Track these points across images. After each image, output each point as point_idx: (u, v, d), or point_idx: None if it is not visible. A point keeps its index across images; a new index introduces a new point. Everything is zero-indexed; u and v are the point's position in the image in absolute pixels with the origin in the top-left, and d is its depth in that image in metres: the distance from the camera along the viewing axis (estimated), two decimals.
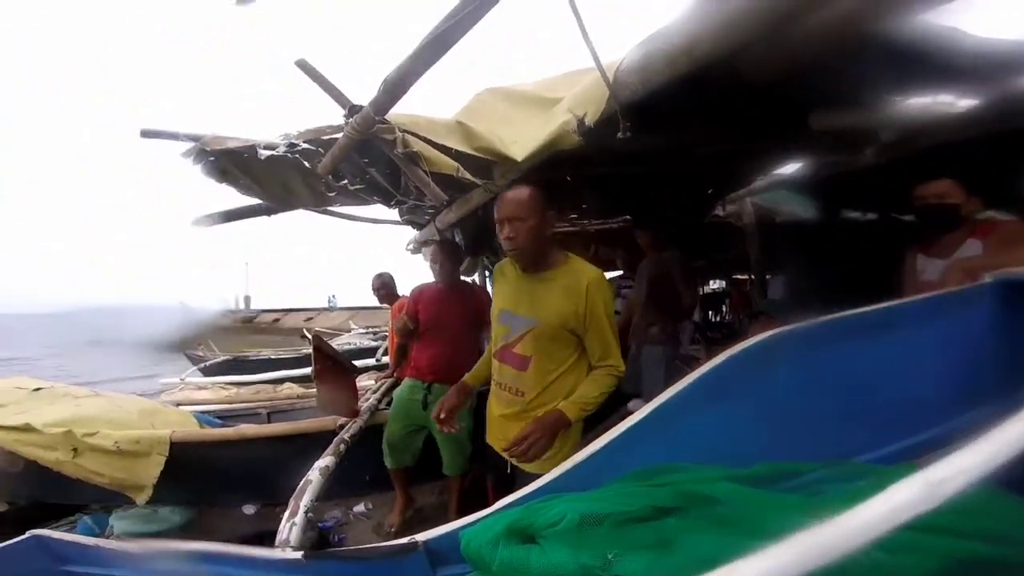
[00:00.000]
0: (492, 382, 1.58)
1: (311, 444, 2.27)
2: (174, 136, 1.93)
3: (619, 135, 1.42)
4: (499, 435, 1.55)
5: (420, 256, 4.06)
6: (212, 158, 1.95)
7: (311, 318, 23.05)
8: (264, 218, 3.04)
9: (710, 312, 8.94)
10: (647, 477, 0.83)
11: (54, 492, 2.64)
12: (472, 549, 0.73)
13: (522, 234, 1.36)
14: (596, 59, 1.29)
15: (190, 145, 1.92)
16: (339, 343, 9.63)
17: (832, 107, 1.92)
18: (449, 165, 1.62)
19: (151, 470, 2.46)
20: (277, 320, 24.95)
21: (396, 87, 1.35)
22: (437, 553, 0.81)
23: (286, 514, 1.28)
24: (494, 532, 0.73)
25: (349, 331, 12.70)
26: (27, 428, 2.40)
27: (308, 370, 6.17)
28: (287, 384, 5.78)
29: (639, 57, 1.34)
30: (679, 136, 1.84)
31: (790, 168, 3.28)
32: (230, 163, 1.95)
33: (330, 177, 1.87)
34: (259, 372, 6.57)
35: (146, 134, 1.93)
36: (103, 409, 2.76)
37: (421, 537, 0.82)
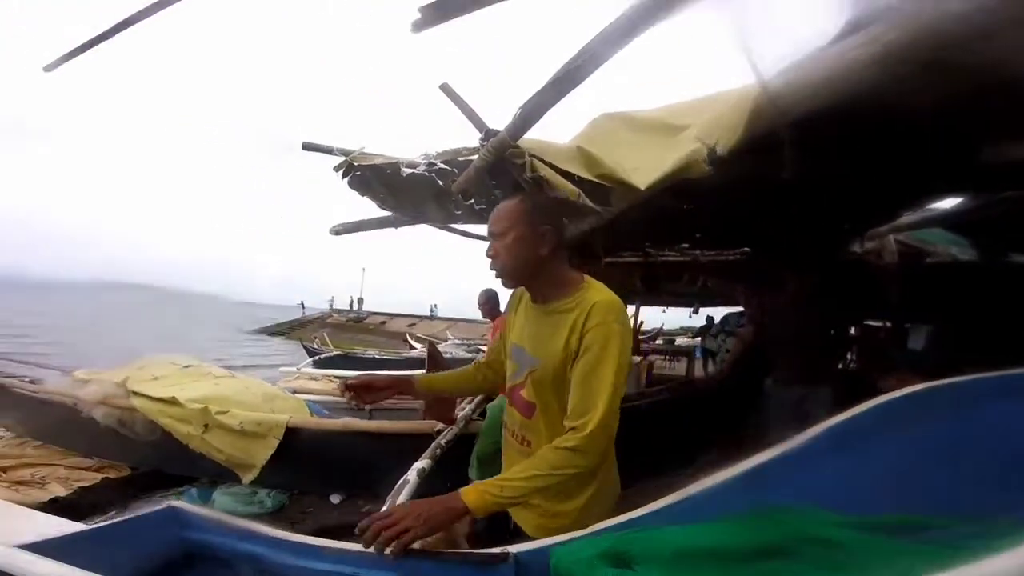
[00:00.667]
0: (503, 422, 1.31)
1: (407, 445, 2.35)
2: (329, 151, 2.19)
3: (783, 161, 1.33)
4: None
5: None
6: (359, 172, 2.17)
7: (414, 324, 24.22)
8: (389, 230, 3.30)
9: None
10: (759, 516, 0.77)
11: (176, 463, 3.00)
12: (563, 567, 0.72)
13: (502, 252, 1.10)
14: (760, 79, 1.24)
15: (341, 159, 2.16)
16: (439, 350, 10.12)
17: (1012, 137, 1.67)
18: (571, 191, 1.64)
19: (264, 452, 2.71)
20: (384, 323, 26.58)
21: (530, 115, 1.40)
22: (525, 566, 0.81)
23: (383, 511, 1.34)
24: (589, 553, 0.71)
25: (446, 340, 13.31)
26: (172, 401, 2.79)
27: (410, 373, 6.58)
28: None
29: (787, 83, 1.27)
30: (823, 165, 1.70)
31: (947, 203, 2.87)
32: (373, 177, 2.16)
33: (460, 196, 1.98)
34: (366, 369, 7.08)
35: (307, 147, 2.21)
36: (235, 390, 3.12)
37: (513, 549, 0.83)
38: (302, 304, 36.19)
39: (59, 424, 3.30)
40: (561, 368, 1.06)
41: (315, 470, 2.87)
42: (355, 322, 27.26)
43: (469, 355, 8.24)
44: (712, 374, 4.36)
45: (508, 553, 0.82)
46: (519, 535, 1.12)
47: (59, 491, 2.80)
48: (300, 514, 2.82)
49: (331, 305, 34.16)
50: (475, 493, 0.94)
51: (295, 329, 26.56)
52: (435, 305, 30.83)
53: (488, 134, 1.60)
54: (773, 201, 2.37)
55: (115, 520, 0.92)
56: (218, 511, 2.69)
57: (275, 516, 2.76)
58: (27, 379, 3.61)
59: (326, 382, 6.34)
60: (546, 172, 1.61)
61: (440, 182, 1.84)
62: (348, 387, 1.29)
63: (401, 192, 2.22)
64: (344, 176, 2.22)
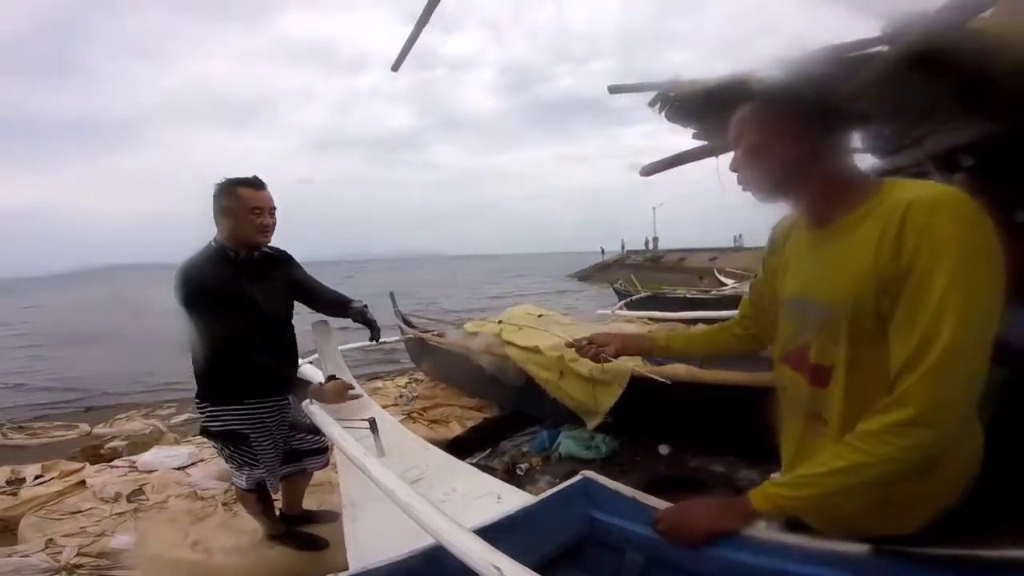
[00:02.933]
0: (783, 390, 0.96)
1: (747, 398, 2.11)
2: (638, 88, 2.05)
3: None
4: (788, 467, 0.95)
5: None
6: (678, 102, 1.98)
7: (715, 257, 22.80)
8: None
9: None
10: None
11: (534, 406, 3.41)
12: None
13: (742, 161, 0.86)
14: None
15: (655, 94, 2.00)
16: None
17: None
18: None
19: (609, 399, 2.84)
20: (682, 259, 25.98)
21: None
22: None
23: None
24: None
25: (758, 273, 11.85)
26: (535, 350, 3.18)
27: (719, 313, 6.08)
28: (700, 326, 5.82)
29: None
30: None
31: None
32: (700, 104, 1.94)
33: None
34: (676, 309, 6.90)
35: (614, 90, 2.13)
36: (583, 336, 3.44)
37: None
38: (602, 249, 38.79)
39: (456, 369, 4.13)
40: (861, 307, 0.73)
41: (648, 419, 2.90)
42: (652, 261, 27.47)
43: None
44: None
45: None
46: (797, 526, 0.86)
47: (457, 430, 3.51)
48: (630, 462, 2.92)
49: (622, 247, 35.24)
50: (762, 494, 0.79)
51: (598, 272, 28.77)
52: (739, 235, 27.05)
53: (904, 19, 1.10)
54: None
55: (536, 501, 1.01)
56: (565, 454, 2.95)
57: (607, 462, 2.92)
58: (436, 332, 4.64)
59: (640, 324, 6.48)
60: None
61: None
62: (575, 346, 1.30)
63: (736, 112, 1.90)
64: (661, 110, 2.07)
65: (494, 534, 0.91)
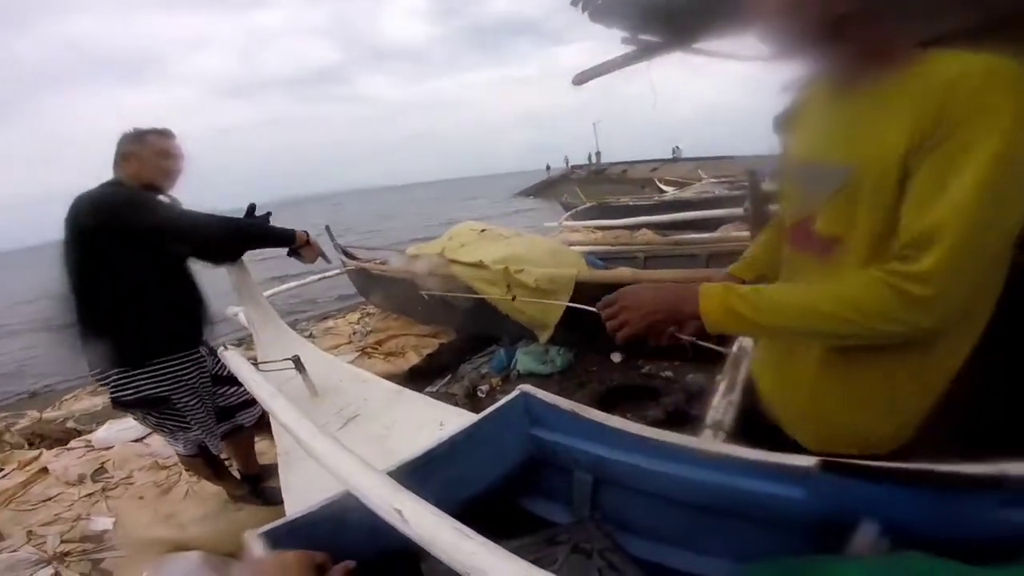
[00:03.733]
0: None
1: None
2: None
3: None
4: (767, 371, 0.91)
5: None
6: (600, 0, 1.82)
7: (656, 168, 23.24)
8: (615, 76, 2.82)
9: None
10: None
11: (488, 326, 3.36)
12: None
13: (784, 11, 0.69)
14: None
15: None
16: (695, 191, 9.29)
17: None
18: None
19: (557, 309, 2.82)
20: (625, 171, 26.19)
21: None
22: (1019, 491, 0.57)
23: (721, 387, 1.20)
24: None
25: (700, 180, 12.12)
26: (480, 265, 3.10)
27: (662, 217, 6.20)
28: (643, 231, 5.97)
29: None
30: None
31: None
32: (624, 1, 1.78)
33: None
34: (621, 217, 6.97)
35: None
36: (525, 247, 3.32)
37: (1014, 470, 0.57)
38: (548, 167, 38.43)
39: (405, 297, 4.01)
40: (886, 169, 0.63)
41: (597, 326, 2.95)
42: (597, 174, 27.54)
43: (735, 192, 7.22)
44: None
45: (1004, 476, 0.57)
46: (779, 443, 0.78)
47: (413, 359, 3.47)
48: (586, 372, 2.98)
49: (566, 163, 35.16)
50: (718, 300, 0.69)
51: (546, 189, 28.62)
52: (678, 147, 28.61)
53: None
54: None
55: (475, 420, 0.96)
56: (523, 371, 2.93)
57: (564, 375, 2.98)
58: (380, 261, 4.46)
59: (587, 233, 6.52)
60: None
61: None
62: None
63: (666, 9, 1.76)
64: (584, 10, 1.89)
65: (427, 465, 0.87)
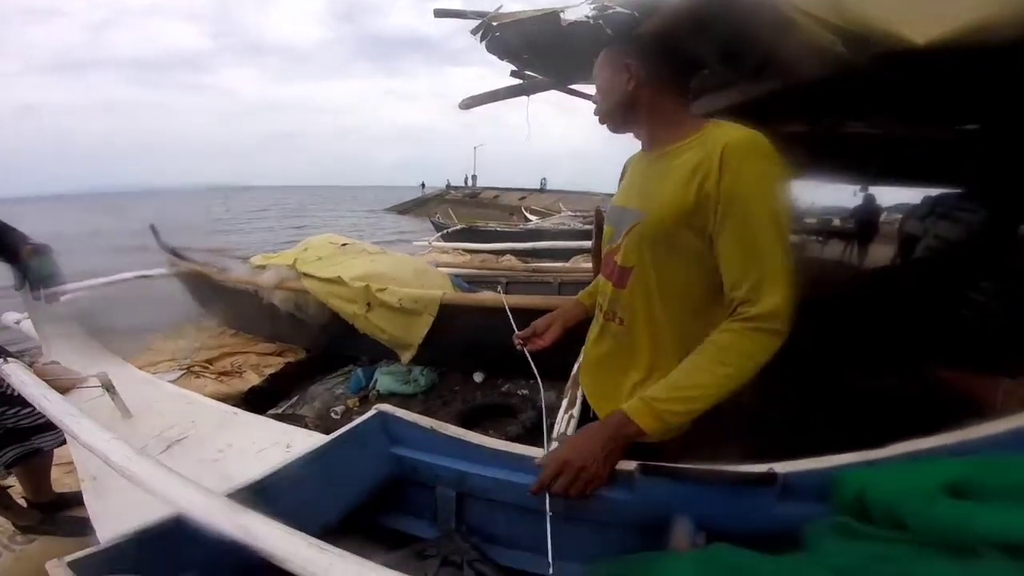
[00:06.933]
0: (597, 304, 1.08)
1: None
2: (462, 15, 1.92)
3: None
4: (587, 378, 1.09)
5: None
6: (498, 33, 1.91)
7: (525, 197, 24.52)
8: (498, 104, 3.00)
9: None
10: None
11: (344, 344, 3.17)
12: (882, 497, 0.60)
13: (598, 96, 0.99)
14: None
15: (477, 22, 1.89)
16: (555, 222, 10.05)
17: None
18: (825, 37, 1.24)
19: (421, 329, 2.78)
20: (496, 197, 27.16)
21: None
22: (789, 486, 0.72)
23: (564, 403, 1.31)
24: (928, 484, 0.59)
25: (560, 212, 13.16)
26: (338, 281, 2.90)
27: (524, 245, 6.60)
28: (507, 256, 6.28)
29: None
30: None
31: None
32: (517, 37, 1.89)
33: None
34: (488, 242, 7.23)
35: (439, 14, 1.95)
36: (389, 266, 3.20)
37: (780, 468, 0.72)
38: (422, 184, 38.35)
39: (245, 311, 3.59)
40: (672, 219, 0.83)
41: (462, 347, 2.91)
42: (471, 197, 28.19)
43: (587, 227, 8.01)
44: (906, 265, 3.67)
45: (776, 473, 0.70)
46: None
47: (254, 379, 3.06)
48: (451, 392, 2.96)
49: (448, 183, 35.70)
50: (649, 414, 0.77)
51: (418, 207, 28.34)
52: (544, 179, 30.99)
53: None
54: None
55: (329, 440, 0.92)
56: (383, 391, 2.77)
57: (428, 395, 2.93)
58: (218, 268, 3.85)
59: (455, 254, 6.64)
60: (793, 12, 1.21)
61: (610, 31, 1.51)
62: (523, 341, 1.18)
63: (551, 51, 1.91)
64: (482, 40, 1.98)
65: (275, 487, 0.81)
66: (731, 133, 0.81)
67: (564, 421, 1.28)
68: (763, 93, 1.74)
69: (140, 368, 2.21)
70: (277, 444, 1.24)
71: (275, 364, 3.30)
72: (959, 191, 3.16)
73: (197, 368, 3.20)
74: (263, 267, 3.34)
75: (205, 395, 1.78)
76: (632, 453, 0.80)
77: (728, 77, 1.80)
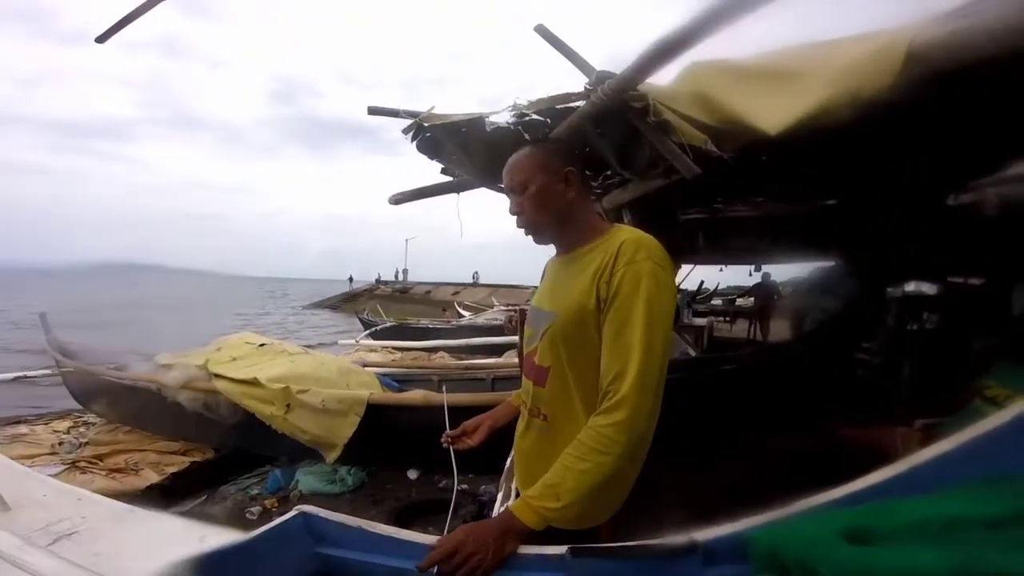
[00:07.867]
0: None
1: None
2: (396, 113, 2.10)
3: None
4: (518, 470, 1.12)
5: None
6: (428, 133, 2.08)
7: (458, 292, 24.52)
8: (430, 200, 3.18)
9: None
10: (996, 483, 0.67)
11: (258, 444, 3.02)
12: (791, 551, 0.64)
13: (527, 205, 0.99)
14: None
15: (409, 122, 2.07)
16: (487, 318, 10.18)
17: None
18: (698, 137, 1.49)
19: (347, 429, 2.69)
20: (429, 292, 27.03)
21: (663, 55, 1.25)
22: (711, 552, 0.73)
23: (499, 496, 1.29)
24: (827, 532, 0.63)
25: (492, 307, 13.40)
26: (254, 383, 2.78)
27: (457, 342, 6.58)
28: (440, 353, 6.21)
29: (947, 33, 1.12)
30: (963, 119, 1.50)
31: None
32: (446, 138, 2.07)
33: None
34: (419, 339, 7.15)
35: (372, 111, 2.13)
36: (311, 367, 3.10)
37: (701, 536, 0.74)
38: (351, 278, 37.55)
39: (146, 409, 3.37)
40: (578, 319, 0.91)
41: (393, 445, 2.87)
42: (401, 292, 27.96)
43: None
44: (800, 338, 4.10)
45: (697, 542, 0.72)
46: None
47: (153, 477, 2.84)
48: (382, 490, 2.84)
49: (378, 277, 35.30)
50: (528, 510, 0.83)
51: (346, 302, 27.53)
52: (476, 273, 31.42)
53: (601, 77, 1.46)
54: (885, 151, 2.08)
55: (248, 537, 0.85)
56: (306, 491, 2.64)
57: (356, 494, 2.80)
58: (113, 365, 3.70)
59: (385, 353, 6.46)
60: (670, 116, 1.46)
61: (527, 135, 1.71)
62: (452, 440, 1.23)
63: (477, 152, 2.12)
64: (413, 139, 2.15)
65: None
66: (625, 236, 0.91)
67: (499, 511, 1.25)
68: (656, 188, 2.02)
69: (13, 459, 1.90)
70: (187, 538, 1.08)
71: (178, 463, 3.02)
72: (832, 264, 3.65)
73: (83, 463, 2.88)
74: (169, 366, 3.13)
75: (92, 491, 1.54)
76: (567, 537, 0.81)
77: (625, 176, 2.08)
